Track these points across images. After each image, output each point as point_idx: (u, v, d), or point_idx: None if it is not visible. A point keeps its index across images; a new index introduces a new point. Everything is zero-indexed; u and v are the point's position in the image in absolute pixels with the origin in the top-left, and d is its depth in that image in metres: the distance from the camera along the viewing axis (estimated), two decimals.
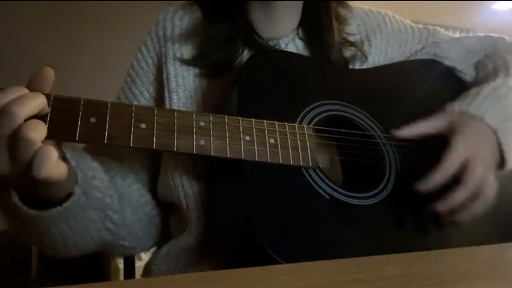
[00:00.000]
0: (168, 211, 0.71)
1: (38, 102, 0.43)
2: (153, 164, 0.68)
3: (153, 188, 0.69)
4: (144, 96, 0.70)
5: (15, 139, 0.41)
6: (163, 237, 0.71)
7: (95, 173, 0.57)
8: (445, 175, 0.54)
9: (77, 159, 0.54)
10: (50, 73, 0.46)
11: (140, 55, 0.72)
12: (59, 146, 0.50)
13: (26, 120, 0.42)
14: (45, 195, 0.49)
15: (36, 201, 0.49)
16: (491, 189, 0.56)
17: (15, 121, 0.41)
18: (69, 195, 0.51)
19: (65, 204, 0.50)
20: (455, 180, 0.55)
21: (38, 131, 0.42)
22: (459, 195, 0.54)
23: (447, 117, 0.60)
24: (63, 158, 0.51)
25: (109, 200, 0.59)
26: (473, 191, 0.55)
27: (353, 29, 0.76)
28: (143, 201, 0.67)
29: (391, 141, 0.63)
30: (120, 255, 0.69)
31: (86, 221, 0.56)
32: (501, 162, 0.60)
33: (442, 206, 0.55)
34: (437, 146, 0.58)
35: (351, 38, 0.74)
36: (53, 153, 0.42)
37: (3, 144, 0.42)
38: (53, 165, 0.43)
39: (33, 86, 0.45)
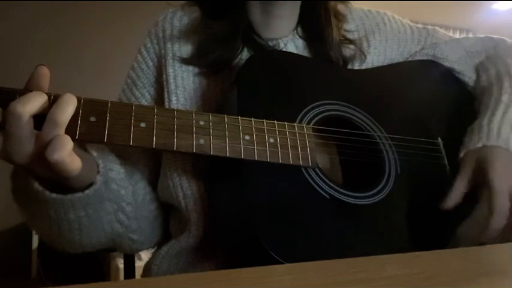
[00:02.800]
0: (169, 212, 0.71)
1: (40, 101, 0.45)
2: (156, 165, 0.68)
3: (156, 188, 0.69)
4: (145, 98, 0.70)
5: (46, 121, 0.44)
6: (164, 237, 0.71)
7: (112, 165, 0.59)
8: (503, 217, 0.54)
9: (97, 150, 0.56)
10: (44, 71, 0.47)
11: (140, 57, 0.72)
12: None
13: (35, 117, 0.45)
14: (65, 184, 0.51)
15: (56, 188, 0.51)
16: None
17: (21, 120, 0.43)
18: (90, 185, 0.53)
19: (87, 191, 0.52)
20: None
21: (67, 113, 0.45)
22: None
23: (473, 161, 0.59)
24: (84, 149, 0.54)
25: (124, 192, 0.60)
26: None
27: (351, 27, 0.76)
28: (148, 199, 0.68)
29: (390, 141, 0.63)
30: (129, 251, 0.70)
31: (101, 212, 0.57)
32: None
33: (492, 237, 0.54)
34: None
35: (349, 36, 0.74)
36: (69, 140, 0.44)
37: (16, 141, 0.44)
38: (67, 151, 0.44)
39: (31, 87, 0.46)
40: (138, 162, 0.68)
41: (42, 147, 0.44)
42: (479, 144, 0.60)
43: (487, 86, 0.70)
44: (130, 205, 0.61)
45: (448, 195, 0.58)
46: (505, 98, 0.66)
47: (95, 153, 0.55)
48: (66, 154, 0.44)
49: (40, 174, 0.49)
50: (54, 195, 0.50)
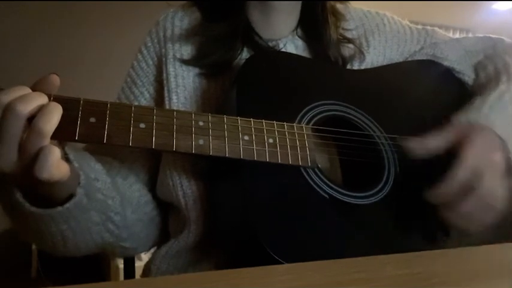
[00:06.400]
0: (168, 211, 0.71)
1: (40, 102, 0.44)
2: (153, 165, 0.68)
3: (153, 188, 0.69)
4: (145, 97, 0.70)
5: (29, 131, 0.43)
6: (163, 237, 0.71)
7: (97, 175, 0.57)
8: (455, 186, 0.53)
9: (80, 161, 0.54)
10: (55, 81, 0.46)
11: (140, 56, 0.72)
12: (61, 147, 0.51)
13: (29, 118, 0.43)
14: (48, 194, 0.50)
15: (40, 199, 0.50)
16: (502, 200, 0.55)
17: (19, 118, 0.42)
18: (71, 196, 0.51)
19: (66, 205, 0.51)
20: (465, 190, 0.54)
21: (52, 123, 0.43)
22: (468, 205, 0.53)
23: (456, 129, 0.59)
24: (66, 159, 0.51)
25: (111, 202, 0.59)
26: (483, 202, 0.54)
27: (350, 26, 0.76)
28: (144, 201, 0.67)
29: (389, 141, 0.63)
30: (121, 256, 0.70)
31: (88, 223, 0.56)
32: (507, 171, 0.59)
33: (451, 216, 0.54)
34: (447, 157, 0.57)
35: (348, 34, 0.74)
36: (55, 153, 0.43)
37: (6, 140, 0.43)
38: (55, 165, 0.43)
39: (37, 90, 0.46)
40: (134, 163, 0.68)
41: (26, 157, 0.43)
42: (464, 119, 0.61)
43: (485, 83, 0.70)
44: (119, 214, 0.61)
45: (423, 141, 0.57)
46: (500, 87, 0.66)
47: (76, 165, 0.53)
48: (54, 168, 0.43)
49: (21, 183, 0.47)
50: (33, 208, 0.49)
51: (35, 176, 0.42)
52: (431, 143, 0.58)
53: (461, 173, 0.53)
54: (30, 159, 0.43)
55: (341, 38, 0.73)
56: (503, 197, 0.55)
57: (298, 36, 0.72)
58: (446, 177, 0.53)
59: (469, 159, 0.54)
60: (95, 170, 0.58)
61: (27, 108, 0.43)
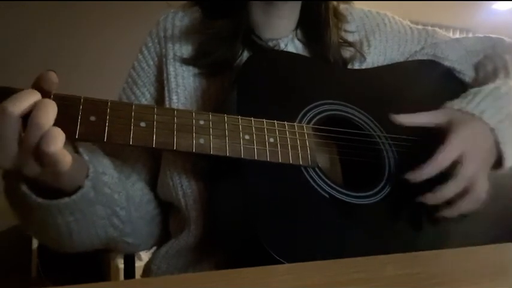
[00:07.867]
0: (169, 211, 0.71)
1: (32, 99, 0.44)
2: (154, 164, 0.69)
3: (155, 187, 0.69)
4: (145, 97, 0.70)
5: (28, 124, 0.43)
6: (165, 236, 0.71)
7: (105, 169, 0.58)
8: (437, 168, 0.54)
9: (90, 154, 0.54)
10: (53, 77, 0.46)
11: (141, 56, 0.73)
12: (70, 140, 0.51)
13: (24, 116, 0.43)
14: (55, 187, 0.50)
15: (47, 192, 0.50)
16: (482, 188, 0.56)
17: (11, 119, 0.43)
18: (79, 188, 0.52)
19: (73, 197, 0.51)
20: (447, 176, 0.55)
21: (49, 116, 0.44)
22: (449, 189, 0.55)
23: (446, 114, 0.61)
24: (77, 152, 0.52)
25: (117, 197, 0.59)
26: (464, 188, 0.55)
27: (352, 27, 0.76)
28: (146, 199, 0.67)
29: (390, 141, 0.63)
30: (124, 252, 0.70)
31: (93, 216, 0.56)
32: (499, 161, 0.60)
33: (431, 199, 0.55)
34: (436, 145, 0.58)
35: (349, 37, 0.74)
36: (60, 133, 0.44)
37: (2, 141, 0.43)
38: (61, 142, 0.43)
39: (37, 88, 0.46)
40: (136, 163, 0.68)
41: (28, 151, 0.43)
42: (456, 107, 0.62)
43: (484, 82, 0.71)
44: (124, 209, 0.61)
45: (412, 115, 0.59)
46: (497, 81, 0.67)
47: (86, 157, 0.53)
48: (61, 145, 0.43)
49: (28, 176, 0.48)
50: (40, 199, 0.49)
51: (42, 149, 0.42)
52: (419, 118, 0.60)
53: (443, 156, 0.55)
54: (32, 148, 0.43)
55: (342, 41, 0.73)
56: (485, 185, 0.57)
57: (299, 37, 0.72)
58: (429, 160, 0.54)
59: (452, 143, 0.55)
60: (103, 164, 0.58)
61: (17, 108, 0.43)
